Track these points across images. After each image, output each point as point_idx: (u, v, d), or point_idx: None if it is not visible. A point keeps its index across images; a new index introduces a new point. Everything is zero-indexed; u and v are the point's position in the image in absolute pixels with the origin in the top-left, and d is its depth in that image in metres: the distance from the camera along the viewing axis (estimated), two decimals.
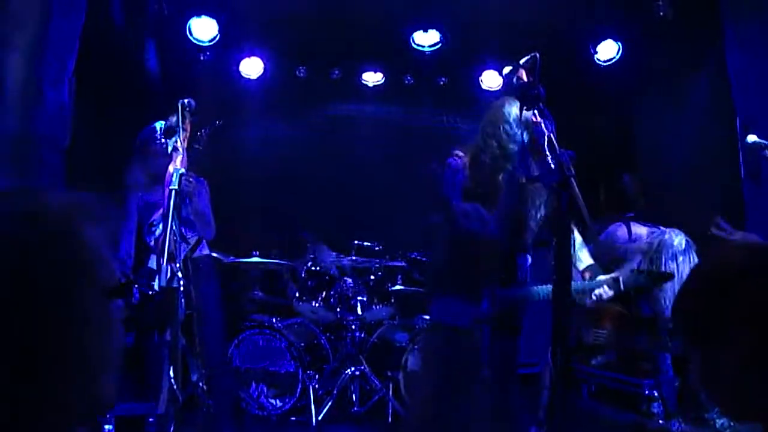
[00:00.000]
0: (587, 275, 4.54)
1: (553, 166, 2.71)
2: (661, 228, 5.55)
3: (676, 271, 5.08)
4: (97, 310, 1.18)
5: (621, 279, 4.34)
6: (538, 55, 3.23)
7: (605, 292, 4.36)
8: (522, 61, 3.30)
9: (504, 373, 3.82)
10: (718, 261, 1.66)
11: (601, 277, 4.41)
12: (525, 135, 3.75)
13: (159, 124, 4.77)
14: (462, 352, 3.26)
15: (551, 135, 2.84)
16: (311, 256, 7.07)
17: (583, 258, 4.60)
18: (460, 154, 4.11)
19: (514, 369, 3.93)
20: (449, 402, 3.20)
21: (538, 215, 4.03)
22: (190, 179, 4.38)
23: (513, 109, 3.91)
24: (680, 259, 5.27)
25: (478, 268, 3.13)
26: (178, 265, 3.63)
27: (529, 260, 3.97)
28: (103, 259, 1.20)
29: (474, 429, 3.30)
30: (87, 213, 1.21)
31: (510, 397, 3.86)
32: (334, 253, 7.45)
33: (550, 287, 3.82)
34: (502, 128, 3.96)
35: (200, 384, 4.19)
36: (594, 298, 4.36)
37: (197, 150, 4.66)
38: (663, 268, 5.16)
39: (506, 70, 3.38)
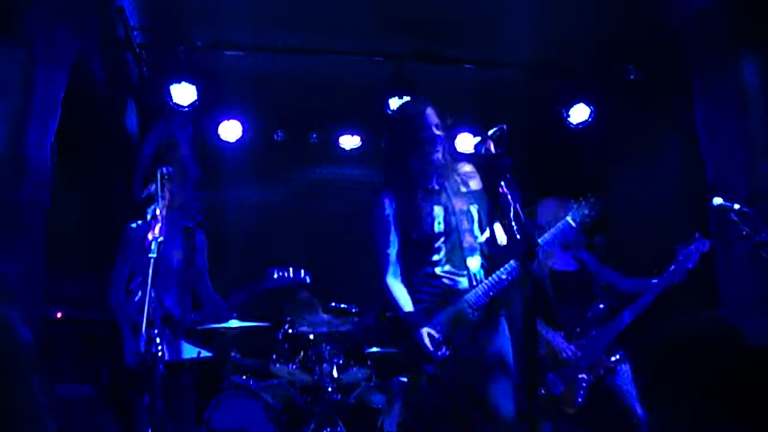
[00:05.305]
0: None
1: (519, 236, 2.82)
2: None
3: None
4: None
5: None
6: (505, 126, 3.36)
7: None
8: (490, 133, 3.42)
9: None
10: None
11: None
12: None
13: None
14: None
15: (517, 206, 2.96)
16: (288, 318, 7.09)
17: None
18: None
19: None
20: None
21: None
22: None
23: None
24: None
25: None
26: (156, 330, 3.69)
27: None
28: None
29: None
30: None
31: None
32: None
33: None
34: None
35: None
36: None
37: None
38: None
39: (475, 140, 3.50)
